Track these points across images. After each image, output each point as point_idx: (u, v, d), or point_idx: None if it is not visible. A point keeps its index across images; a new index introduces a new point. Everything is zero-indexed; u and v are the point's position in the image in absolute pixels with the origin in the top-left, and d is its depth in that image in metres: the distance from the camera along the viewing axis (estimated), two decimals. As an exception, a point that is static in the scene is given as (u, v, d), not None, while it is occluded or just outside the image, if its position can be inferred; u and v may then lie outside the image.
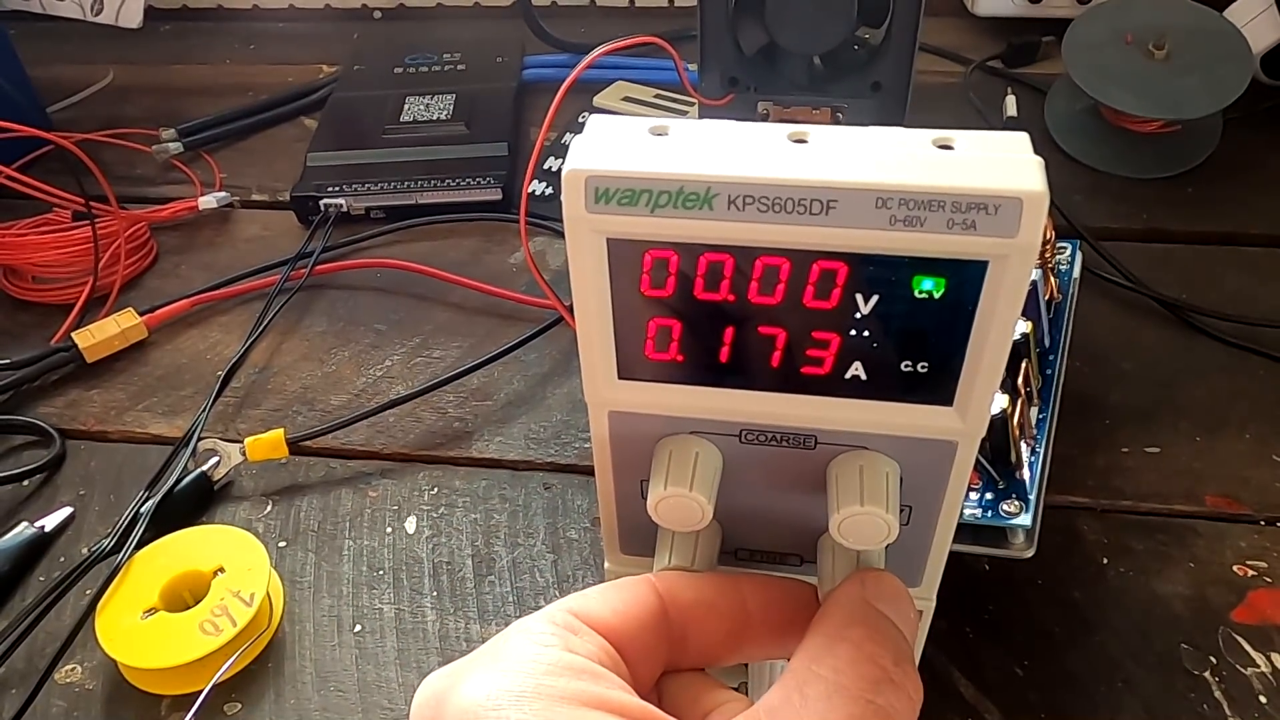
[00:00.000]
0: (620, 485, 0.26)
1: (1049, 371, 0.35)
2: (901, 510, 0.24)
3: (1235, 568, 0.35)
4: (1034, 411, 0.33)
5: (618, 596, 0.23)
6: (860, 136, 0.20)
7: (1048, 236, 0.37)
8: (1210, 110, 0.51)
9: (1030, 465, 0.32)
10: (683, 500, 0.23)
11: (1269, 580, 0.35)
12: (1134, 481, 0.38)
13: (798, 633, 0.22)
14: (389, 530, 0.38)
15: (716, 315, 0.22)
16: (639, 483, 0.26)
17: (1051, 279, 0.37)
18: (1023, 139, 0.20)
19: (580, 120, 0.59)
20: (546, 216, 0.53)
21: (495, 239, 0.53)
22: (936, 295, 0.20)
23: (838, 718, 0.19)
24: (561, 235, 0.53)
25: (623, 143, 0.20)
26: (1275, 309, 0.45)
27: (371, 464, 0.41)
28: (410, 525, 0.39)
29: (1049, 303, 0.37)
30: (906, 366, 0.22)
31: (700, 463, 0.24)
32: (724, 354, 0.22)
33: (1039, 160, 0.19)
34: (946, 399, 0.22)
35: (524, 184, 0.38)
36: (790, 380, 0.22)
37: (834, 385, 0.22)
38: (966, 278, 0.20)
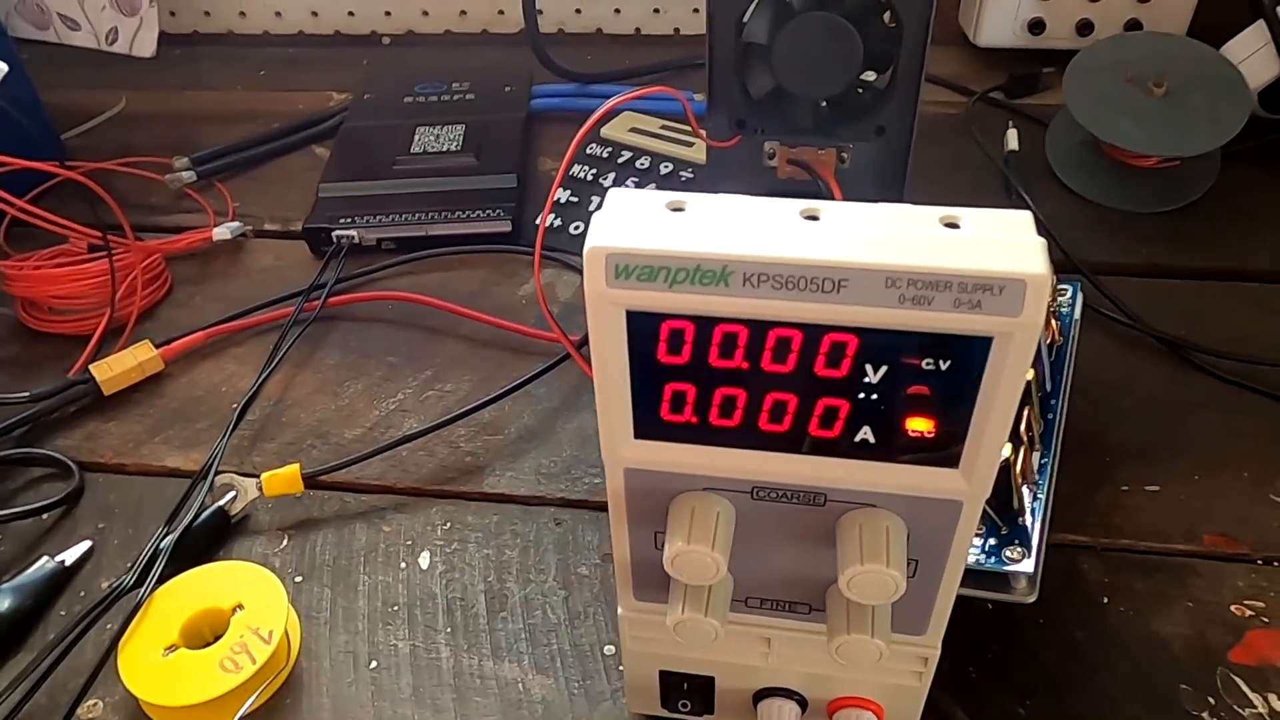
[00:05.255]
0: (635, 536, 0.27)
1: (1050, 416, 0.35)
2: (908, 564, 0.25)
3: (1233, 608, 0.36)
4: (1036, 456, 0.34)
5: None
6: (870, 214, 0.21)
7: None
8: (1209, 147, 0.51)
9: (1033, 511, 0.32)
10: (700, 557, 0.24)
11: (1266, 620, 0.35)
12: (1134, 520, 0.39)
13: None
14: (403, 565, 0.39)
15: (730, 381, 0.23)
16: (653, 534, 0.27)
17: (1053, 322, 0.38)
18: (1026, 218, 0.21)
19: (588, 151, 0.60)
20: (554, 248, 0.54)
21: (504, 270, 0.54)
22: (943, 367, 0.21)
23: None
24: (570, 266, 0.54)
25: (641, 219, 0.21)
26: (1273, 345, 0.45)
27: (385, 498, 0.42)
28: (424, 561, 0.39)
29: (1050, 346, 0.38)
30: (914, 431, 0.22)
31: (717, 520, 0.24)
32: (737, 417, 0.23)
33: (1042, 242, 0.20)
34: (952, 461, 0.23)
35: (541, 219, 0.38)
36: (800, 442, 0.23)
37: (843, 447, 0.23)
38: (972, 351, 0.21)
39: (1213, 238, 0.52)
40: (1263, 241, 0.52)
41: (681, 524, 0.24)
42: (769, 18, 0.40)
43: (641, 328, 0.22)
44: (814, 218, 0.21)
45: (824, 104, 0.43)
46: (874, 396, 0.22)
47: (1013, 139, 0.58)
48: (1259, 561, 0.37)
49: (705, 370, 0.22)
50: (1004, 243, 0.20)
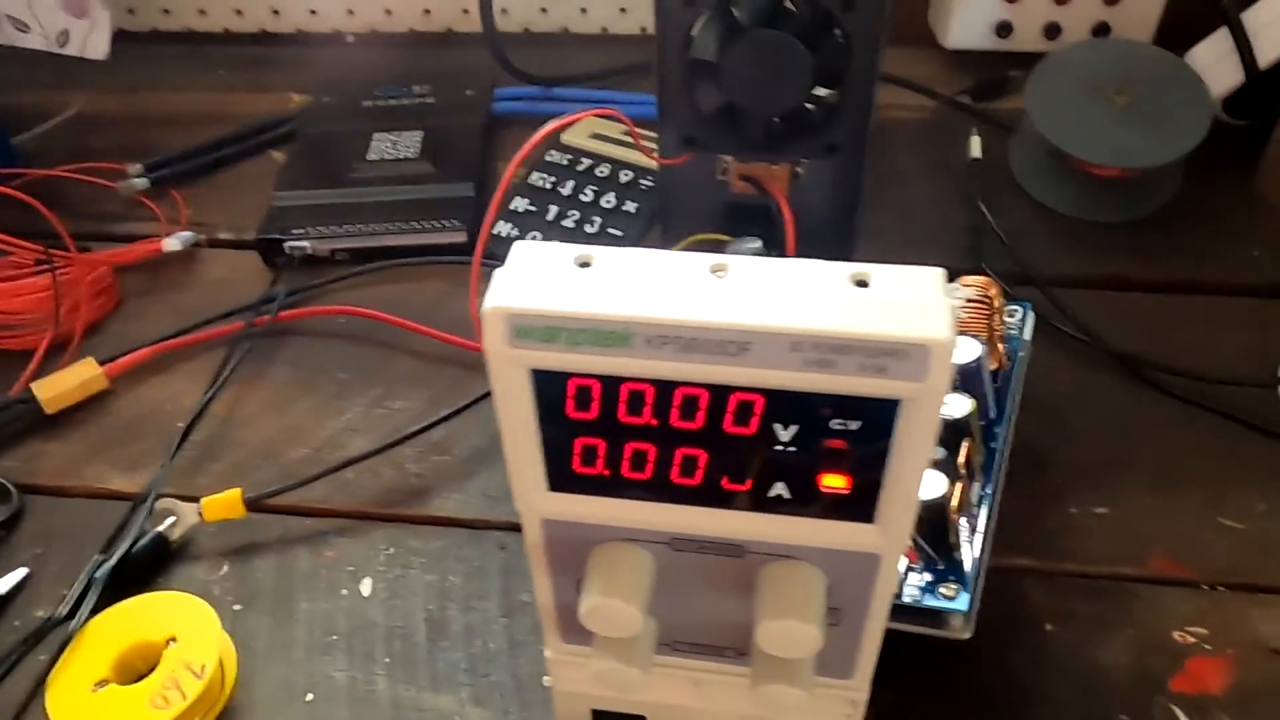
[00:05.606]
0: (558, 583, 0.26)
1: (994, 444, 0.35)
2: (831, 612, 0.25)
3: (1175, 634, 0.36)
4: (976, 488, 0.34)
5: None
6: (778, 271, 0.21)
7: (996, 305, 0.37)
8: (1166, 160, 0.51)
9: (970, 545, 0.32)
10: (615, 611, 0.24)
11: (1208, 648, 0.35)
12: (1081, 543, 0.39)
13: None
14: (344, 593, 0.39)
15: (640, 436, 0.22)
16: (576, 580, 0.26)
17: (999, 347, 0.37)
18: (936, 277, 0.20)
19: (547, 159, 0.59)
20: (511, 259, 0.53)
21: (460, 282, 0.53)
22: (852, 427, 0.21)
23: None
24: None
25: (546, 276, 0.21)
26: (1228, 362, 0.45)
27: (329, 522, 0.41)
28: (366, 587, 0.39)
29: (995, 372, 0.37)
30: (827, 488, 0.22)
31: (633, 573, 0.24)
32: (649, 471, 0.23)
33: (949, 304, 0.19)
34: (868, 516, 0.22)
35: (482, 234, 0.38)
36: (715, 496, 0.23)
37: (758, 502, 0.23)
38: (880, 412, 0.20)
39: (1174, 249, 0.52)
40: (1222, 252, 0.51)
41: (597, 577, 0.24)
42: (717, 34, 0.39)
43: (547, 385, 0.21)
44: (722, 274, 0.21)
45: (776, 119, 0.42)
46: (785, 454, 0.22)
47: (975, 146, 0.57)
48: (1204, 587, 0.37)
49: (614, 426, 0.22)
50: (911, 305, 0.19)
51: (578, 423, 0.22)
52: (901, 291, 0.20)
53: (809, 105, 0.41)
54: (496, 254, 0.54)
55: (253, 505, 0.41)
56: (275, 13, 0.76)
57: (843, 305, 0.20)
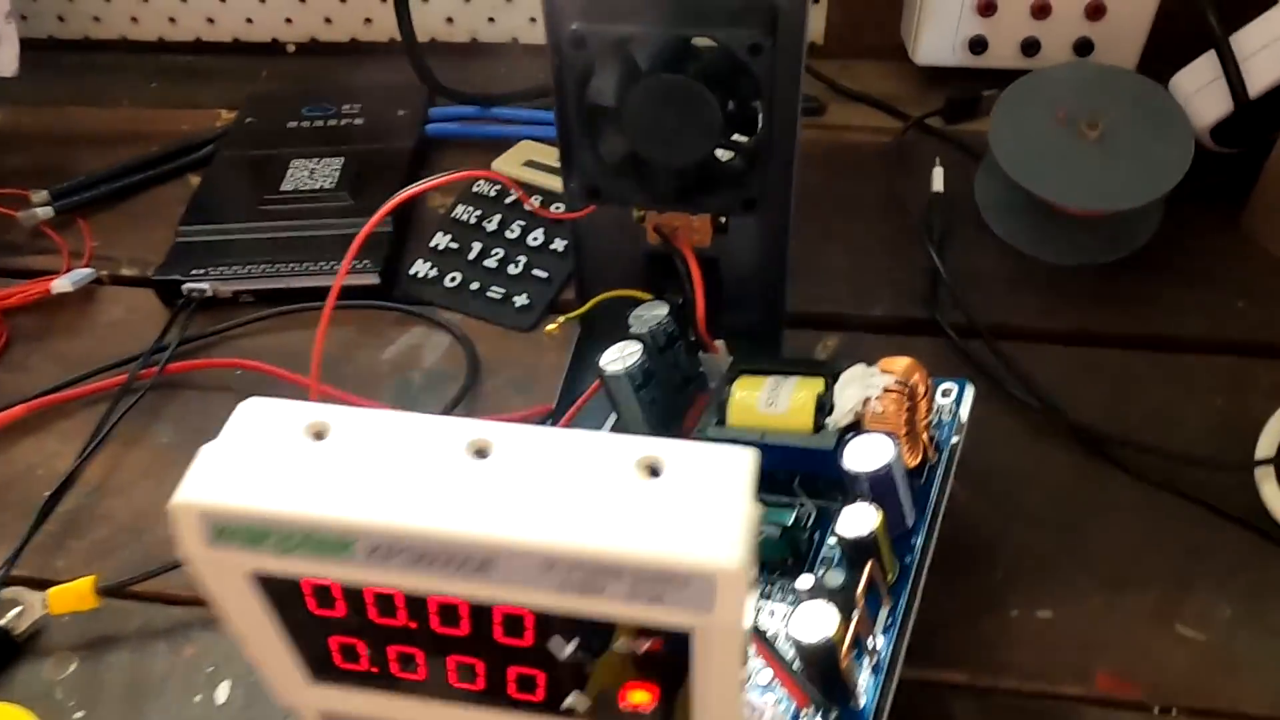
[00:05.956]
0: (354, 763, 0.22)
1: (909, 559, 0.31)
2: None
3: (1119, 771, 0.32)
4: (883, 613, 0.29)
5: None
6: (551, 452, 0.16)
7: (921, 391, 0.32)
8: (1141, 201, 0.46)
9: (870, 685, 0.28)
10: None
11: (1154, 788, 0.31)
12: (1021, 654, 0.35)
13: None
14: (197, 699, 0.35)
15: (402, 639, 0.18)
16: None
17: (923, 439, 0.33)
18: (744, 464, 0.16)
19: (474, 190, 0.55)
20: (424, 301, 0.49)
21: (371, 330, 0.49)
22: (642, 649, 0.17)
23: None
24: (441, 325, 0.50)
25: (264, 452, 0.17)
26: (1200, 433, 0.41)
27: (193, 611, 0.38)
28: (222, 693, 0.35)
29: (921, 465, 0.33)
30: (630, 705, 0.18)
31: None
32: (421, 673, 0.19)
33: (749, 512, 0.15)
34: (686, 732, 0.18)
35: (340, 273, 0.35)
36: (506, 700, 0.19)
37: (556, 710, 0.19)
38: (671, 638, 0.16)
39: (1149, 297, 0.47)
40: (1202, 302, 0.46)
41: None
42: (616, 77, 0.35)
43: (276, 585, 0.17)
44: (483, 454, 0.16)
45: (689, 168, 0.38)
46: (574, 667, 0.17)
47: (938, 179, 0.53)
48: (1156, 710, 0.33)
49: (370, 626, 0.18)
50: (704, 509, 0.15)
51: (327, 620, 0.18)
52: (698, 486, 0.16)
53: (723, 155, 0.37)
54: (414, 294, 0.50)
55: (110, 592, 0.37)
56: (210, 21, 0.71)
57: (618, 508, 0.15)
